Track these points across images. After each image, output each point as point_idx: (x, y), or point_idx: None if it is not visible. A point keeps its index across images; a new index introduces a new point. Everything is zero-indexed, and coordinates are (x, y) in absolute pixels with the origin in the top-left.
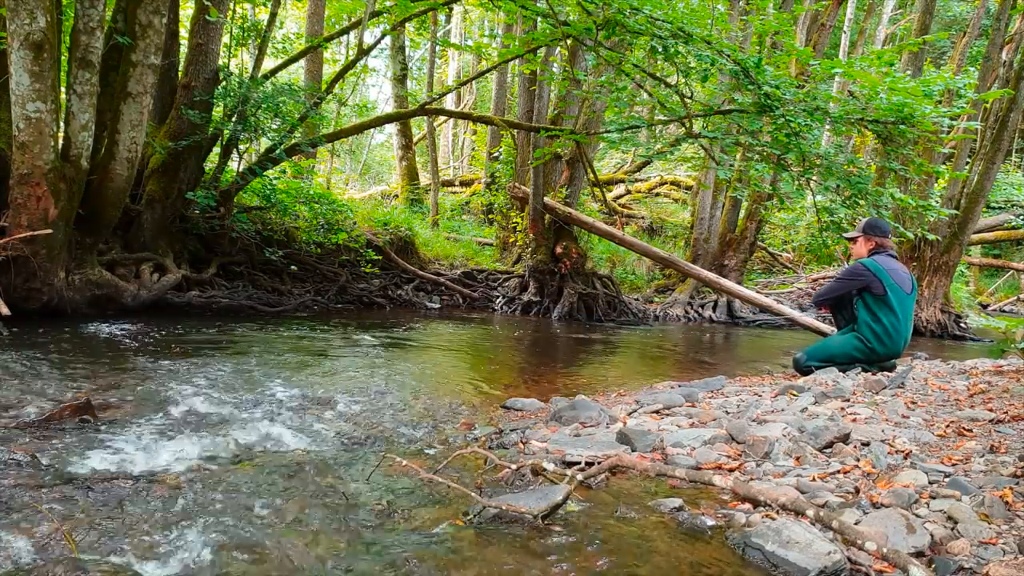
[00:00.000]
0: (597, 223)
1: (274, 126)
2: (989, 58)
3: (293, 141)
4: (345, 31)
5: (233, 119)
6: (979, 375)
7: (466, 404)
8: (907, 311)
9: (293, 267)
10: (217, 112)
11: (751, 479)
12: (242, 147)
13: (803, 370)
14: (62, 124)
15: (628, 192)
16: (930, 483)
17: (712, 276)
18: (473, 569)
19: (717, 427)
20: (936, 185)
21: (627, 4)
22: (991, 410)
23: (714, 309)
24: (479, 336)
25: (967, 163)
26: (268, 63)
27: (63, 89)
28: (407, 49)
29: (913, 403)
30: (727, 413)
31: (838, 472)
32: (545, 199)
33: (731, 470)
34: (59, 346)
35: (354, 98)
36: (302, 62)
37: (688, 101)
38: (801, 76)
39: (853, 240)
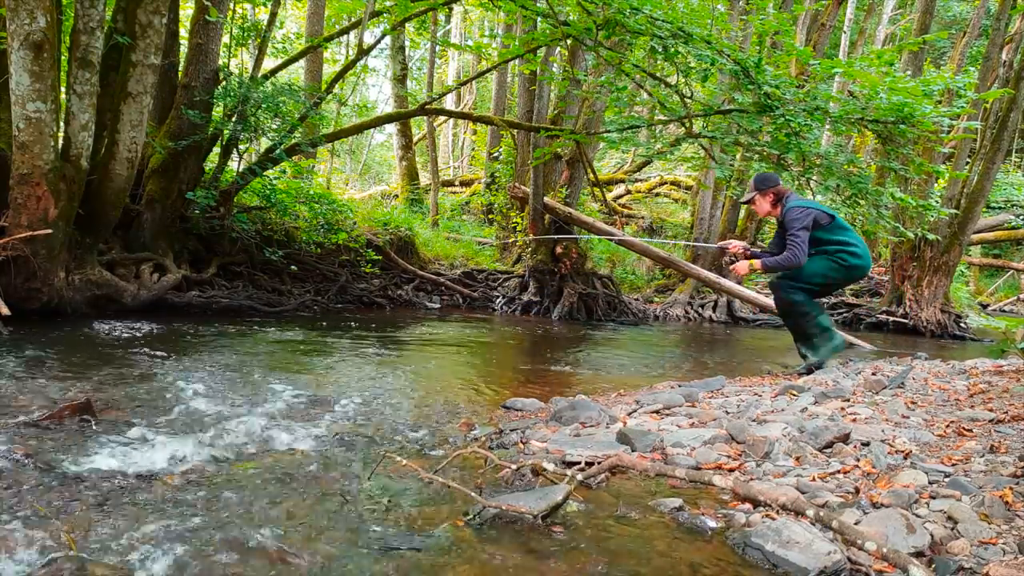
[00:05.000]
0: (597, 223)
1: (274, 126)
2: (989, 58)
3: (293, 141)
4: (345, 31)
5: (233, 119)
6: (979, 375)
7: (466, 404)
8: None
9: (293, 267)
10: (217, 112)
11: (751, 479)
12: (242, 147)
13: (786, 297)
14: (62, 124)
15: (628, 192)
16: (930, 483)
17: (712, 276)
18: (473, 569)
19: (717, 427)
20: (936, 185)
21: (627, 4)
22: (991, 410)
23: (714, 309)
24: (479, 336)
25: (967, 163)
26: (268, 63)
27: (63, 89)
28: (407, 49)
29: (913, 403)
30: (727, 413)
31: (838, 472)
32: (545, 199)
33: (731, 470)
34: (59, 346)
35: (354, 98)
36: (302, 62)
37: (688, 101)
38: (801, 76)
39: (751, 201)
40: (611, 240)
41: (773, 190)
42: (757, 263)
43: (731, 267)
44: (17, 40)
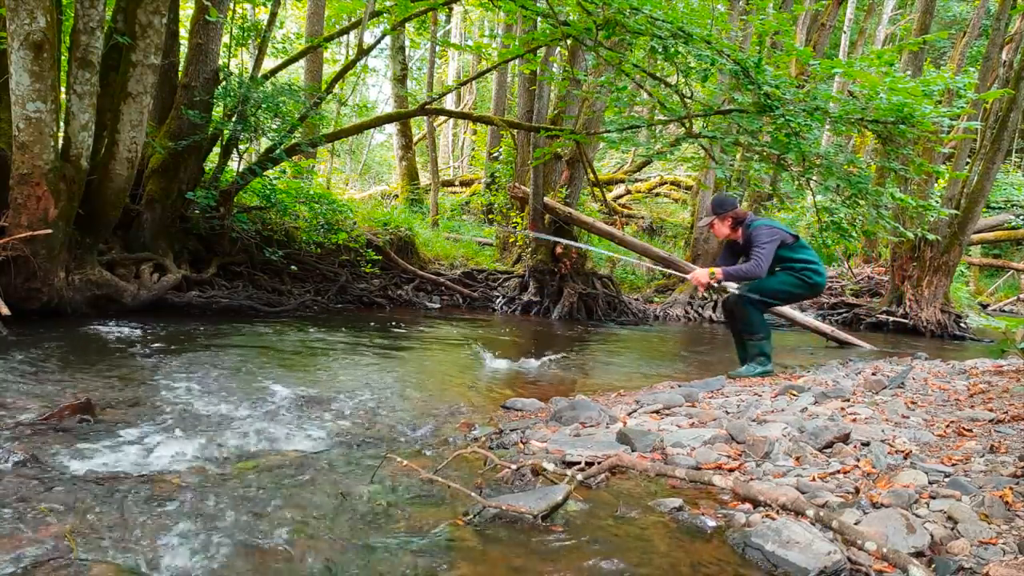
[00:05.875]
0: (597, 223)
1: (274, 126)
2: (989, 58)
3: (293, 141)
4: (345, 31)
5: (233, 119)
6: (979, 375)
7: (466, 404)
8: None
9: (293, 267)
10: (217, 112)
11: (751, 479)
12: (242, 147)
13: (751, 314)
14: (62, 124)
15: (628, 192)
16: (930, 483)
17: None
18: (473, 569)
19: (717, 427)
20: (936, 185)
21: (627, 4)
22: (991, 410)
23: (714, 309)
24: (479, 336)
25: (967, 163)
26: (268, 63)
27: (63, 89)
28: (407, 49)
29: (913, 403)
30: (727, 413)
31: (838, 472)
32: (545, 199)
33: (731, 470)
34: (59, 346)
35: (354, 98)
36: (302, 62)
37: (688, 101)
38: (801, 76)
39: (709, 225)
40: (611, 241)
41: (731, 214)
42: (718, 271)
43: (689, 276)
44: (17, 40)
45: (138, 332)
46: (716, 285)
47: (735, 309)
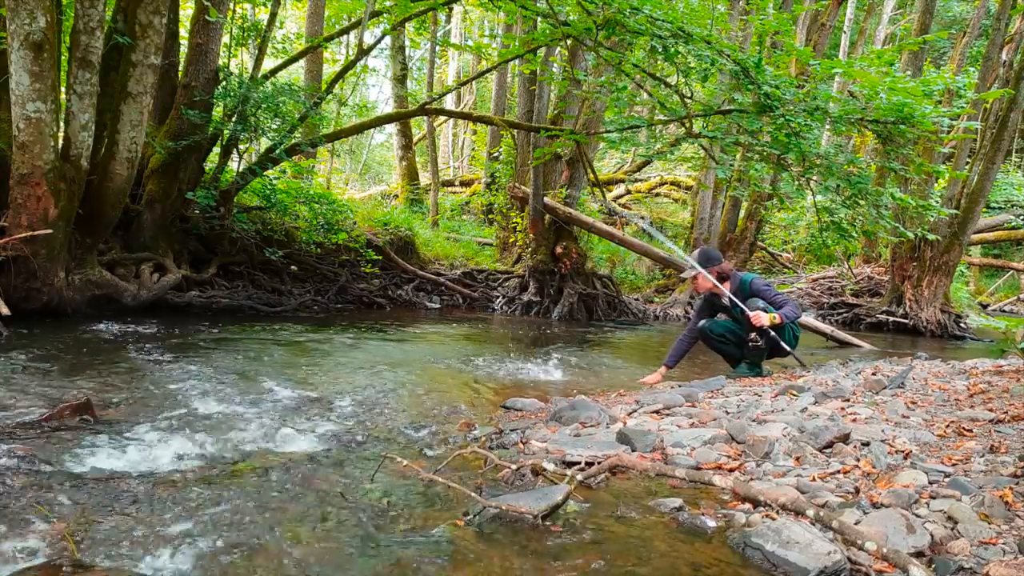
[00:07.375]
0: (597, 223)
1: (274, 126)
2: (989, 58)
3: (293, 141)
4: (345, 31)
5: (233, 119)
6: (979, 375)
7: (466, 404)
8: None
9: (293, 267)
10: (217, 112)
11: (751, 479)
12: (242, 147)
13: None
14: (62, 124)
15: (628, 192)
16: (930, 483)
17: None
18: (473, 569)
19: (717, 427)
20: (936, 185)
21: (627, 4)
22: (991, 410)
23: None
24: (479, 336)
25: (967, 163)
26: (268, 63)
27: (63, 89)
28: (407, 49)
29: (913, 403)
30: (727, 413)
31: (838, 472)
32: (545, 199)
33: (731, 470)
34: (59, 346)
35: (354, 98)
36: (302, 62)
37: (688, 101)
38: (801, 76)
39: (693, 278)
40: (612, 241)
41: (717, 268)
42: (778, 315)
43: (752, 313)
44: (17, 40)
45: (138, 332)
46: (772, 333)
47: (764, 343)
